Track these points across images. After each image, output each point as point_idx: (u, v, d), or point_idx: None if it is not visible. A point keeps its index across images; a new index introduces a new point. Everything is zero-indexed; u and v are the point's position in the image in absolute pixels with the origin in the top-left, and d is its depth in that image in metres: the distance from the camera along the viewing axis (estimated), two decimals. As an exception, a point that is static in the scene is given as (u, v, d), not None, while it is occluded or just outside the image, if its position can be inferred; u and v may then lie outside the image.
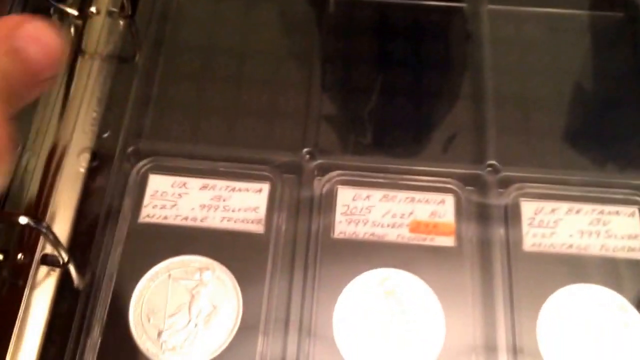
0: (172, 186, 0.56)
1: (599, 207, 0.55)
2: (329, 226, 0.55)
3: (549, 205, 0.56)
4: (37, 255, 0.53)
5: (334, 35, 0.64)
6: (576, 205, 0.56)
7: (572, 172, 0.57)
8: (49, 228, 0.50)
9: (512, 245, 0.54)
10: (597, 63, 0.63)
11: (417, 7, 0.66)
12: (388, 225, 0.55)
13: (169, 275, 0.53)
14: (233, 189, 0.56)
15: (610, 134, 0.59)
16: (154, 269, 0.53)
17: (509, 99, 0.60)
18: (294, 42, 0.64)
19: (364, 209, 0.56)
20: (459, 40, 0.64)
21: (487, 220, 0.55)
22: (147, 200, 0.56)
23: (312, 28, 0.65)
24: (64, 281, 0.52)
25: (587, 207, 0.55)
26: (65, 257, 0.52)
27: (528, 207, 0.56)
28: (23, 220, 0.49)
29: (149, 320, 0.51)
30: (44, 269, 0.53)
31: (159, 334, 0.51)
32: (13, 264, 0.52)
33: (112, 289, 0.52)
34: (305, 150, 0.57)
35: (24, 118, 0.59)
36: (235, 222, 0.55)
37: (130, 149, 0.58)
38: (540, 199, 0.56)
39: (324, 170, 0.57)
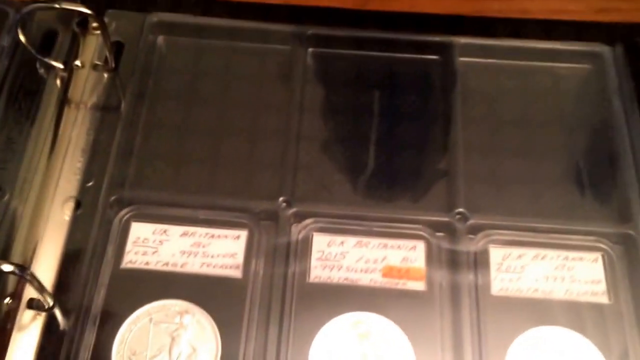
0: (154, 233, 0.58)
1: (563, 254, 0.57)
2: (305, 271, 0.56)
3: (516, 251, 0.57)
4: (23, 300, 0.54)
5: (311, 87, 0.66)
6: (542, 252, 0.57)
7: (539, 220, 0.58)
8: (32, 275, 0.52)
9: (481, 289, 0.55)
10: (564, 113, 0.65)
11: (391, 59, 0.68)
12: (362, 270, 0.56)
13: (150, 319, 0.54)
14: (212, 236, 0.58)
15: (575, 183, 0.61)
16: (136, 312, 0.54)
17: (478, 149, 0.62)
18: (272, 93, 0.65)
19: (339, 254, 0.57)
20: (431, 91, 0.66)
21: (457, 265, 0.56)
22: (129, 246, 0.57)
23: (290, 79, 0.66)
24: (49, 324, 0.54)
25: (552, 253, 0.57)
26: (50, 302, 0.53)
27: (496, 253, 0.57)
28: (7, 268, 0.50)
29: (131, 362, 0.52)
30: (30, 313, 0.54)
31: (141, 375, 0.52)
32: (1, 308, 0.54)
33: (95, 331, 0.53)
34: (281, 198, 0.59)
35: (10, 167, 0.60)
36: (214, 267, 0.57)
37: (113, 198, 0.59)
38: (507, 245, 0.57)
39: (300, 217, 0.58)
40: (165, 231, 0.58)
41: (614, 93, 0.65)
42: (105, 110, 0.63)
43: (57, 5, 0.62)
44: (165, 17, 0.69)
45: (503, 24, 0.70)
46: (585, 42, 0.68)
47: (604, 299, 0.55)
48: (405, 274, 0.56)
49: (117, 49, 0.67)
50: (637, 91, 0.65)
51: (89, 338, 0.53)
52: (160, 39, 0.68)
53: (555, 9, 0.72)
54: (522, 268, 0.56)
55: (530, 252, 0.57)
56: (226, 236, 0.58)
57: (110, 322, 0.54)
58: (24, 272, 0.51)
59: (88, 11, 0.62)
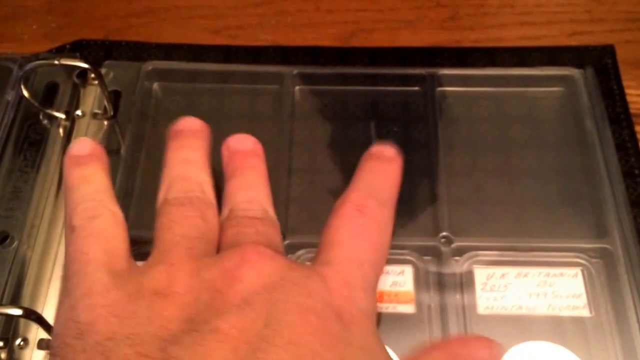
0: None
1: (545, 270, 0.57)
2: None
3: (499, 270, 0.58)
4: (34, 341, 0.55)
5: (299, 122, 0.67)
6: (524, 270, 0.58)
7: (520, 239, 0.59)
8: (41, 318, 0.52)
9: (467, 309, 0.56)
10: (541, 135, 0.65)
11: (374, 92, 0.69)
12: (354, 296, 0.56)
13: None
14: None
15: (553, 202, 0.61)
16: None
17: (459, 174, 0.62)
18: (263, 130, 0.66)
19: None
20: (413, 120, 0.66)
21: (444, 287, 0.57)
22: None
23: (279, 117, 0.67)
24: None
25: (534, 271, 0.57)
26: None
27: (480, 274, 0.57)
28: (16, 312, 0.51)
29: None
30: (40, 353, 0.54)
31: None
32: (12, 350, 0.54)
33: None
34: (277, 231, 0.59)
35: (18, 214, 0.60)
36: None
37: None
38: (491, 265, 0.58)
39: (293, 248, 0.59)
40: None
41: (586, 113, 0.65)
42: (108, 156, 0.63)
43: (57, 62, 0.63)
44: (160, 65, 0.70)
45: (480, 53, 0.70)
46: (558, 66, 0.69)
47: (585, 312, 0.56)
48: (395, 297, 0.57)
49: (115, 96, 0.67)
50: (608, 110, 0.65)
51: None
52: (156, 85, 0.69)
53: (529, 36, 0.73)
54: (505, 287, 0.57)
55: (513, 270, 0.57)
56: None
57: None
58: (32, 315, 0.51)
59: (86, 65, 0.64)
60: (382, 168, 0.51)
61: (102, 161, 0.51)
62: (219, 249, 0.47)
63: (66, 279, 0.44)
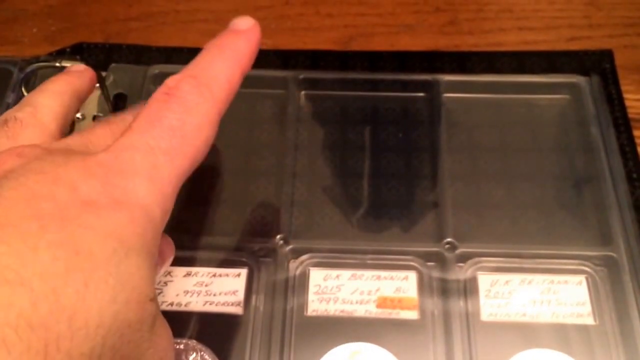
0: (159, 275, 0.56)
1: (549, 278, 0.56)
2: (303, 305, 0.56)
3: (503, 277, 0.57)
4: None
5: (304, 127, 0.66)
6: (528, 277, 0.56)
7: (524, 246, 0.58)
8: None
9: (471, 315, 0.55)
10: (546, 141, 0.65)
11: (377, 97, 0.68)
12: (357, 302, 0.56)
13: (157, 358, 0.53)
14: (214, 275, 0.57)
15: (558, 208, 0.60)
16: (143, 352, 0.53)
17: (463, 180, 0.61)
18: (267, 134, 0.65)
19: (334, 287, 0.56)
20: (416, 125, 0.65)
21: (448, 293, 0.56)
22: (136, 288, 0.56)
23: (284, 121, 0.66)
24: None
25: (538, 278, 0.56)
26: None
27: (484, 280, 0.56)
28: None
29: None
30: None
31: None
32: None
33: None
34: (279, 236, 0.58)
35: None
36: (216, 305, 0.56)
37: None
38: (495, 272, 0.57)
39: (297, 253, 0.58)
40: (169, 273, 0.57)
41: (591, 120, 0.64)
42: None
43: (58, 64, 0.62)
44: (165, 69, 0.69)
45: (479, 57, 0.70)
46: (560, 72, 0.68)
47: (589, 320, 0.55)
48: (399, 303, 0.55)
49: (120, 100, 0.66)
50: (612, 115, 0.64)
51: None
52: (162, 89, 0.67)
53: (528, 41, 0.72)
54: (509, 293, 0.56)
55: (517, 277, 0.56)
56: (227, 275, 0.57)
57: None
58: None
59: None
60: (228, 43, 0.46)
61: None
62: None
63: None
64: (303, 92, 0.68)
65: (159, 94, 0.41)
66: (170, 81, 0.42)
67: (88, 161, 0.38)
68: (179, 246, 0.56)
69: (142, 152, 0.39)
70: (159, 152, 0.40)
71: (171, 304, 0.56)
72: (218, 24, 0.74)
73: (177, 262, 0.56)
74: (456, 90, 0.67)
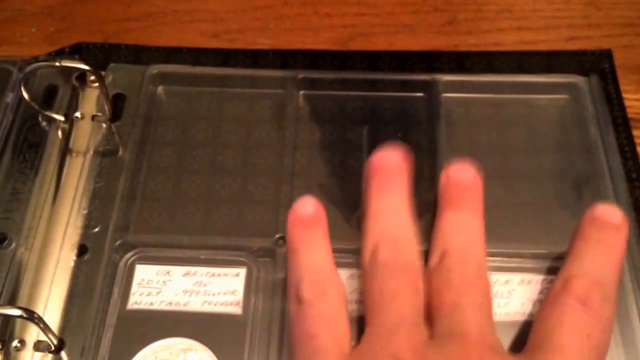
0: (157, 274, 0.56)
1: (548, 277, 0.55)
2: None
3: (503, 277, 0.56)
4: (31, 343, 0.53)
5: (302, 126, 0.65)
6: (528, 276, 0.56)
7: (524, 245, 0.57)
8: (39, 318, 0.51)
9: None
10: (545, 140, 0.64)
11: (375, 97, 0.67)
12: (356, 301, 0.54)
13: (156, 357, 0.52)
14: (213, 275, 0.56)
15: (556, 208, 0.60)
16: (141, 351, 0.53)
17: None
18: (264, 134, 0.65)
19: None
20: (415, 125, 0.65)
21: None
22: (134, 288, 0.56)
23: (282, 120, 0.65)
24: (57, 366, 0.52)
25: (537, 278, 0.56)
26: (56, 343, 0.52)
27: (485, 280, 0.55)
28: (15, 312, 0.50)
29: (138, 401, 0.51)
30: (37, 355, 0.53)
31: (148, 413, 0.50)
32: (9, 352, 0.53)
33: (102, 373, 0.52)
34: (277, 235, 0.58)
35: (16, 216, 0.59)
36: (215, 304, 0.55)
37: (118, 242, 0.58)
38: (495, 271, 0.56)
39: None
40: (168, 272, 0.57)
41: (590, 120, 0.64)
42: (106, 158, 0.63)
43: (57, 64, 0.61)
44: (165, 69, 0.68)
45: (478, 57, 0.69)
46: (559, 72, 0.67)
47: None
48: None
49: (119, 100, 0.66)
50: (611, 115, 0.64)
51: (97, 379, 0.52)
52: (160, 89, 0.68)
53: (527, 40, 0.72)
54: (509, 293, 0.55)
55: (516, 277, 0.56)
56: (226, 274, 0.56)
57: (117, 361, 0.52)
58: (31, 315, 0.50)
59: (87, 67, 0.62)
60: (608, 242, 0.49)
61: (324, 225, 0.52)
62: (428, 302, 0.48)
63: (292, 356, 0.47)
64: (302, 92, 0.67)
65: (573, 301, 0.46)
66: (577, 287, 0.46)
67: None
68: (178, 246, 0.56)
69: None
70: None
71: (170, 304, 0.55)
72: (216, 24, 0.74)
73: (176, 261, 0.56)
74: (455, 90, 0.66)
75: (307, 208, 0.53)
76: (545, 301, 0.47)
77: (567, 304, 0.45)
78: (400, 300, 0.47)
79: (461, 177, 0.53)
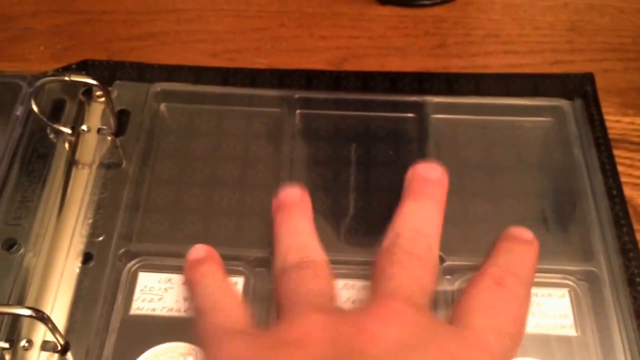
0: (159, 282, 0.57)
1: (533, 290, 0.55)
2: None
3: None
4: (38, 343, 0.54)
5: (298, 143, 0.66)
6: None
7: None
8: (48, 318, 0.51)
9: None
10: (530, 161, 0.65)
11: (369, 117, 0.68)
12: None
13: (157, 361, 0.53)
14: (212, 283, 0.57)
15: (542, 225, 0.61)
16: (143, 355, 0.53)
17: (449, 195, 0.60)
18: (261, 150, 0.65)
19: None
20: (405, 144, 0.66)
21: (437, 305, 0.55)
22: (137, 294, 0.57)
23: (279, 138, 0.66)
24: (63, 366, 0.53)
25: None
26: (63, 343, 0.53)
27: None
28: (25, 312, 0.51)
29: (140, 403, 0.52)
30: (44, 355, 0.54)
31: (150, 415, 0.51)
32: (17, 352, 0.53)
33: (106, 375, 0.53)
34: (274, 246, 0.58)
35: (25, 223, 0.60)
36: (214, 312, 0.56)
37: (122, 251, 0.58)
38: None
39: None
40: (169, 280, 0.57)
41: (574, 141, 0.65)
42: (111, 170, 0.63)
43: (66, 78, 0.62)
44: (167, 87, 0.69)
45: (466, 79, 0.70)
46: (544, 94, 0.69)
47: (571, 332, 0.55)
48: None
49: (123, 115, 0.67)
50: (593, 136, 0.66)
51: (101, 381, 0.53)
52: (163, 106, 0.69)
53: (513, 64, 0.73)
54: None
55: (503, 289, 0.56)
56: (224, 283, 0.57)
57: (120, 364, 0.53)
58: (40, 315, 0.51)
59: (94, 82, 0.63)
60: (520, 249, 0.51)
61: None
62: (373, 276, 0.49)
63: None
64: (298, 111, 0.68)
65: (488, 281, 0.48)
66: (493, 272, 0.49)
67: (461, 336, 0.44)
68: (179, 255, 0.56)
69: (496, 334, 0.45)
70: (507, 336, 0.45)
71: (171, 310, 0.56)
72: (216, 44, 0.75)
73: (177, 270, 0.57)
74: (444, 111, 0.67)
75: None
76: (464, 289, 0.49)
77: (484, 284, 0.48)
78: (302, 284, 0.48)
79: (427, 173, 0.54)
